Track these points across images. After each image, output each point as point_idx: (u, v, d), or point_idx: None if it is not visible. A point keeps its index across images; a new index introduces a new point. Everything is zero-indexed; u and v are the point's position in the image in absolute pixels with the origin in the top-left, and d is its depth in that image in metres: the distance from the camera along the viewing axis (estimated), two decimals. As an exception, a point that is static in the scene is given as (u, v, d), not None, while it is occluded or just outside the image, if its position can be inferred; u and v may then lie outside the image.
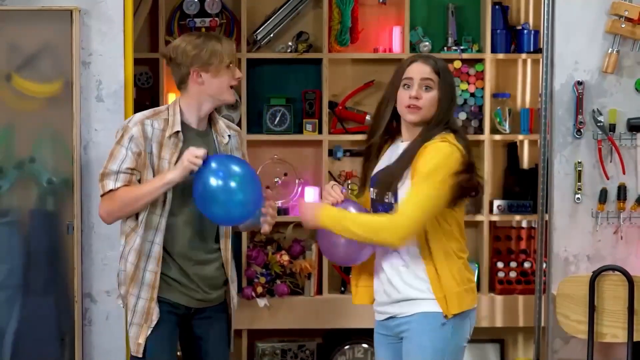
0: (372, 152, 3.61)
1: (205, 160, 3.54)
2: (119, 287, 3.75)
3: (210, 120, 3.78)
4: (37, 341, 4.27)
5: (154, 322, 3.64)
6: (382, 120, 3.58)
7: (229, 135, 3.79)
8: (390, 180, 3.47)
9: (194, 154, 3.52)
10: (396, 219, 3.37)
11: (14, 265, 4.26)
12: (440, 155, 3.40)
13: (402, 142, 3.56)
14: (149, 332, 3.64)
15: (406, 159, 3.45)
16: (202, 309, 3.76)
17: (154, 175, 3.62)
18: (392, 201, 3.46)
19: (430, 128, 3.48)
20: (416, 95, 3.47)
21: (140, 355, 3.66)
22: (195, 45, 3.65)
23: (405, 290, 3.48)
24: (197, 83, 3.65)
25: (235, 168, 3.57)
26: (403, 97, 3.50)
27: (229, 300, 3.85)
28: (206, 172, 3.53)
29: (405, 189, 3.43)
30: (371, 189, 3.58)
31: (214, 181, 3.51)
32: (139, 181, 3.63)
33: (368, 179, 3.61)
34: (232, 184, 3.52)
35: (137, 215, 3.63)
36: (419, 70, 3.50)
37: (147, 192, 3.58)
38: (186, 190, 3.64)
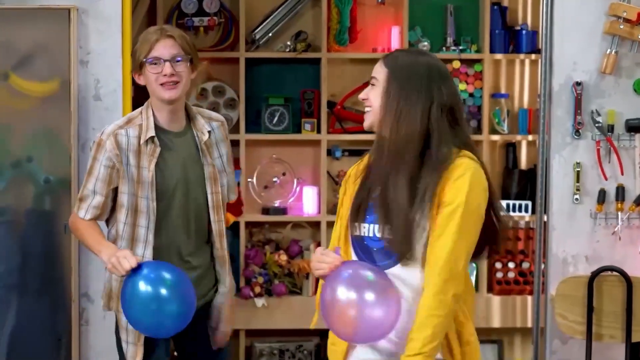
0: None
1: (137, 268, 3.29)
2: (109, 301, 3.65)
3: (189, 117, 3.62)
4: (33, 341, 4.26)
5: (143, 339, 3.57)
6: None
7: (209, 131, 3.60)
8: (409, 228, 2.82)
9: (123, 262, 3.27)
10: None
11: (10, 265, 4.25)
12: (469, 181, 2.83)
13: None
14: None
15: (406, 197, 2.82)
16: None
17: (132, 187, 3.49)
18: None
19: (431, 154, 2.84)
20: (363, 97, 2.95)
21: None
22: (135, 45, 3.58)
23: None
24: (142, 83, 3.57)
25: (168, 276, 3.28)
26: None
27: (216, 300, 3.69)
28: (138, 282, 3.26)
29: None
30: (367, 224, 2.92)
31: (146, 292, 3.25)
32: (116, 193, 3.53)
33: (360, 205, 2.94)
34: (164, 292, 3.25)
35: (116, 228, 3.57)
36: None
37: (87, 245, 3.56)
38: (175, 205, 3.54)
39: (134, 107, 4.30)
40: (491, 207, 2.89)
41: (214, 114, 3.74)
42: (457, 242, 2.78)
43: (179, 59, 3.50)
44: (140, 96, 5.40)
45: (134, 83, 5.13)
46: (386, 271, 2.84)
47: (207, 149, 3.60)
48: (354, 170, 3.04)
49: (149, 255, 3.51)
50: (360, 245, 2.92)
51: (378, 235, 2.87)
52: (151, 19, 5.58)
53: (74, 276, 4.25)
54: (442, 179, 2.80)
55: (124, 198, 3.52)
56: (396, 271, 2.84)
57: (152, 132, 3.51)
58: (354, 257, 2.94)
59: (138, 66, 3.53)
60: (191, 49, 3.55)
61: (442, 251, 2.78)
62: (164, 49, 3.48)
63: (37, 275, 4.27)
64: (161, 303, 3.24)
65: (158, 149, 3.51)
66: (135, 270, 3.27)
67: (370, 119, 2.92)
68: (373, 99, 2.91)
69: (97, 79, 4.28)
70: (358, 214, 2.91)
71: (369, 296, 2.77)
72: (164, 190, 3.52)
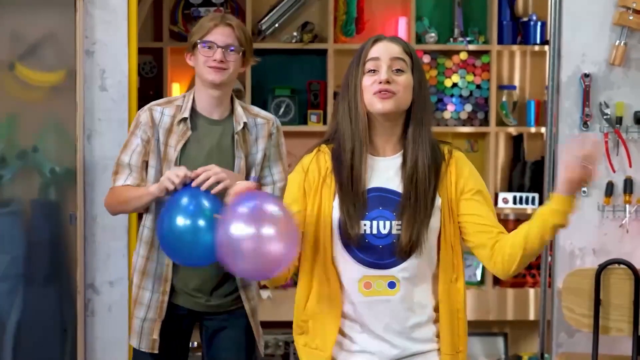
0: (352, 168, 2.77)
1: (185, 186, 3.28)
2: (134, 274, 3.64)
3: (233, 107, 3.60)
4: (39, 332, 4.26)
5: (163, 317, 3.54)
6: (360, 124, 2.77)
7: (245, 122, 3.55)
8: (421, 221, 2.72)
9: (175, 173, 3.30)
10: None
11: (16, 255, 4.24)
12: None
13: (377, 157, 2.80)
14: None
15: (430, 189, 2.75)
16: (213, 312, 3.59)
17: (159, 162, 3.52)
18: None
19: (421, 130, 2.77)
20: (387, 79, 2.73)
21: (156, 351, 3.54)
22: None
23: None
24: (192, 64, 3.56)
25: (207, 204, 3.21)
26: (369, 84, 2.76)
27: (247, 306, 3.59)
28: (176, 205, 3.20)
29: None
30: (367, 221, 2.73)
31: (180, 220, 3.16)
32: (146, 167, 3.56)
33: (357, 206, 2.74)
34: (202, 223, 3.15)
35: (147, 208, 3.55)
36: (386, 50, 2.78)
37: (134, 197, 3.48)
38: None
39: (140, 99, 4.30)
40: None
41: (262, 112, 3.68)
42: None
43: (232, 48, 3.49)
44: (145, 88, 5.41)
45: (139, 74, 5.13)
46: (396, 267, 2.73)
47: (242, 141, 3.55)
48: (312, 165, 2.83)
49: None
50: (362, 244, 2.73)
51: (383, 231, 2.73)
52: (157, 9, 5.56)
53: (80, 267, 4.24)
54: (453, 169, 2.82)
55: (151, 172, 3.55)
56: (406, 266, 2.73)
57: (186, 114, 3.52)
58: (349, 260, 2.76)
59: (191, 46, 3.53)
60: (247, 42, 3.55)
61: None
62: (221, 35, 3.49)
63: (43, 266, 4.27)
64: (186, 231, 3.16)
65: (189, 132, 3.52)
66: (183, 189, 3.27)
67: (396, 102, 2.73)
68: (402, 83, 2.74)
69: (102, 69, 4.26)
70: (355, 212, 2.72)
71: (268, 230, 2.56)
72: None
